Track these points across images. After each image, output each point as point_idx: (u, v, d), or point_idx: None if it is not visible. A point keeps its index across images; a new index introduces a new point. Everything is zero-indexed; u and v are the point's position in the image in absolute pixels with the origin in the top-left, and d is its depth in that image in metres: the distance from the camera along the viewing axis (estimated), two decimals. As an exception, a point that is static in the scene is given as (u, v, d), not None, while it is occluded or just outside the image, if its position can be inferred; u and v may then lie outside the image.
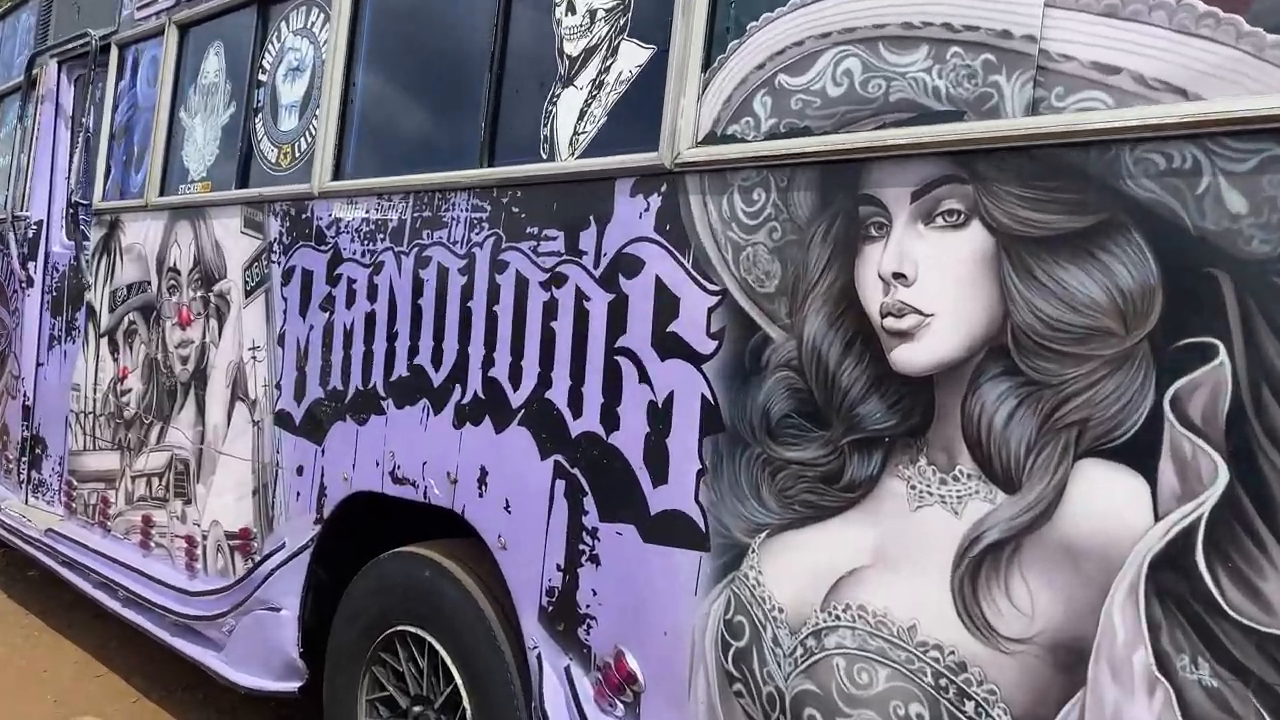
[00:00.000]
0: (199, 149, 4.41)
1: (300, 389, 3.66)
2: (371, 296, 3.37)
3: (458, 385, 3.06)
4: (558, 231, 2.79)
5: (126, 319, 4.77)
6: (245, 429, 3.94)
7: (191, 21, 4.51)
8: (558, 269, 2.77)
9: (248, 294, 3.97)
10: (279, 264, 3.79)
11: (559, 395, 2.75)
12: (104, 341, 4.95)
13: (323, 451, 3.55)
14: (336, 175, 3.60)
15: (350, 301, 3.45)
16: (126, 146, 4.97)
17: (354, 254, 3.46)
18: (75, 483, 5.10)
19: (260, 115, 4.08)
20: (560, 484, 2.74)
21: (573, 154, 2.81)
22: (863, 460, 2.08)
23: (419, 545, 3.28)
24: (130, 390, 4.71)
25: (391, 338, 3.29)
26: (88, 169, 5.16)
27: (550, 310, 2.78)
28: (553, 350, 2.77)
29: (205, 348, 4.20)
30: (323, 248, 3.59)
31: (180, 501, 4.31)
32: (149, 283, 4.62)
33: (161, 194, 4.58)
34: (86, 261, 5.09)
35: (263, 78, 4.09)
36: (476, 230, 3.02)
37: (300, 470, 3.65)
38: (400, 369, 3.25)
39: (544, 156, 2.90)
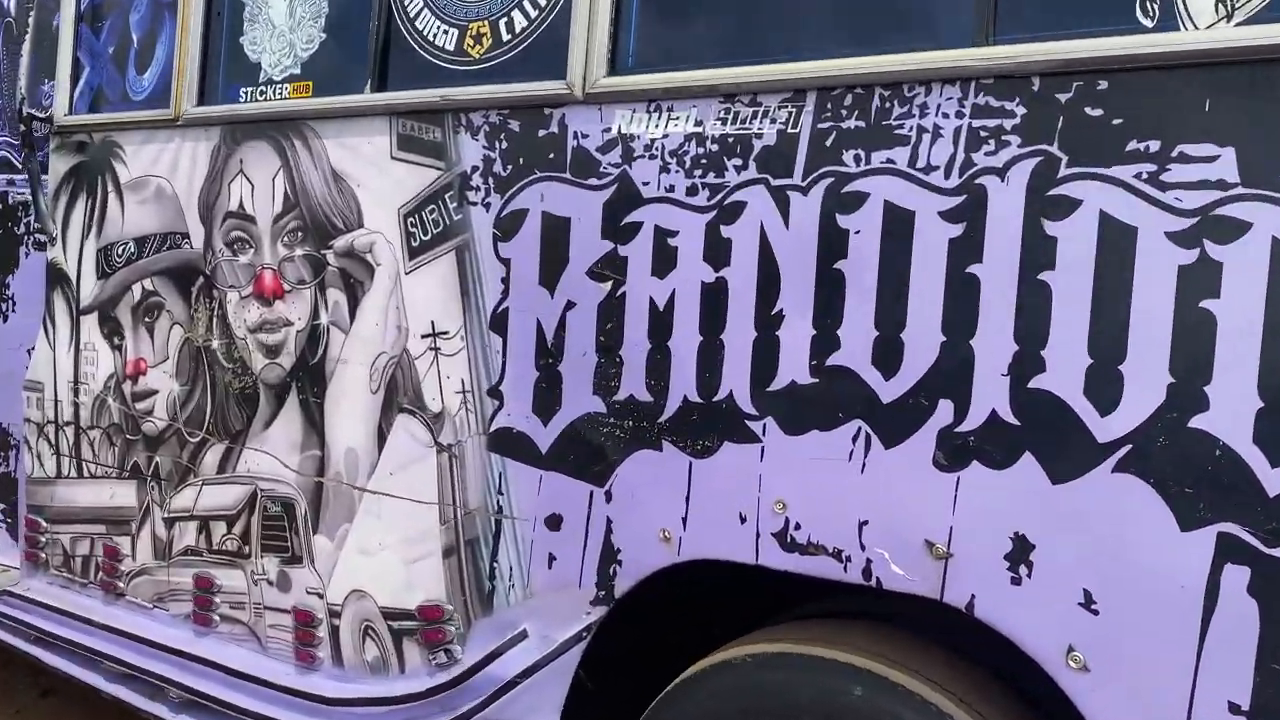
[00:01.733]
0: (280, 34, 2.94)
1: (549, 398, 2.38)
2: (715, 256, 2.14)
3: (945, 401, 1.90)
4: (1213, 148, 1.67)
5: (139, 288, 3.25)
6: (419, 456, 2.61)
7: None
8: (1216, 213, 1.66)
9: (415, 252, 2.61)
10: (490, 207, 2.47)
11: (1222, 424, 1.66)
12: (89, 321, 3.39)
13: (608, 495, 2.31)
14: (613, 67, 2.31)
15: (664, 264, 2.20)
16: (115, 31, 3.38)
17: (667, 191, 2.20)
18: (45, 524, 3.54)
19: (412, -22, 2.68)
20: (1234, 573, 1.66)
21: (1228, 17, 1.69)
22: None
23: (814, 645, 2.12)
24: (153, 393, 3.22)
25: (768, 322, 2.08)
26: (41, 65, 3.52)
27: (1196, 283, 1.67)
28: (1200, 349, 1.67)
29: (319, 332, 2.81)
30: (591, 181, 2.31)
31: (276, 559, 2.92)
32: (183, 235, 3.12)
33: (201, 101, 3.08)
34: (46, 203, 3.48)
35: (410, -80, 2.68)
36: (989, 145, 1.85)
37: (557, 522, 2.39)
38: (793, 371, 2.06)
39: (1146, 21, 1.76)
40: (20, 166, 3.91)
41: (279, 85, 2.92)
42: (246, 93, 2.99)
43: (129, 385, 3.27)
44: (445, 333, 2.56)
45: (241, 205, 2.96)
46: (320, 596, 2.82)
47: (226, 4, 3.05)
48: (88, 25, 3.43)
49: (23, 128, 3.41)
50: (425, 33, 2.63)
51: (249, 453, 2.97)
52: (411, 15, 2.65)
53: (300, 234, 2.83)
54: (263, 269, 2.91)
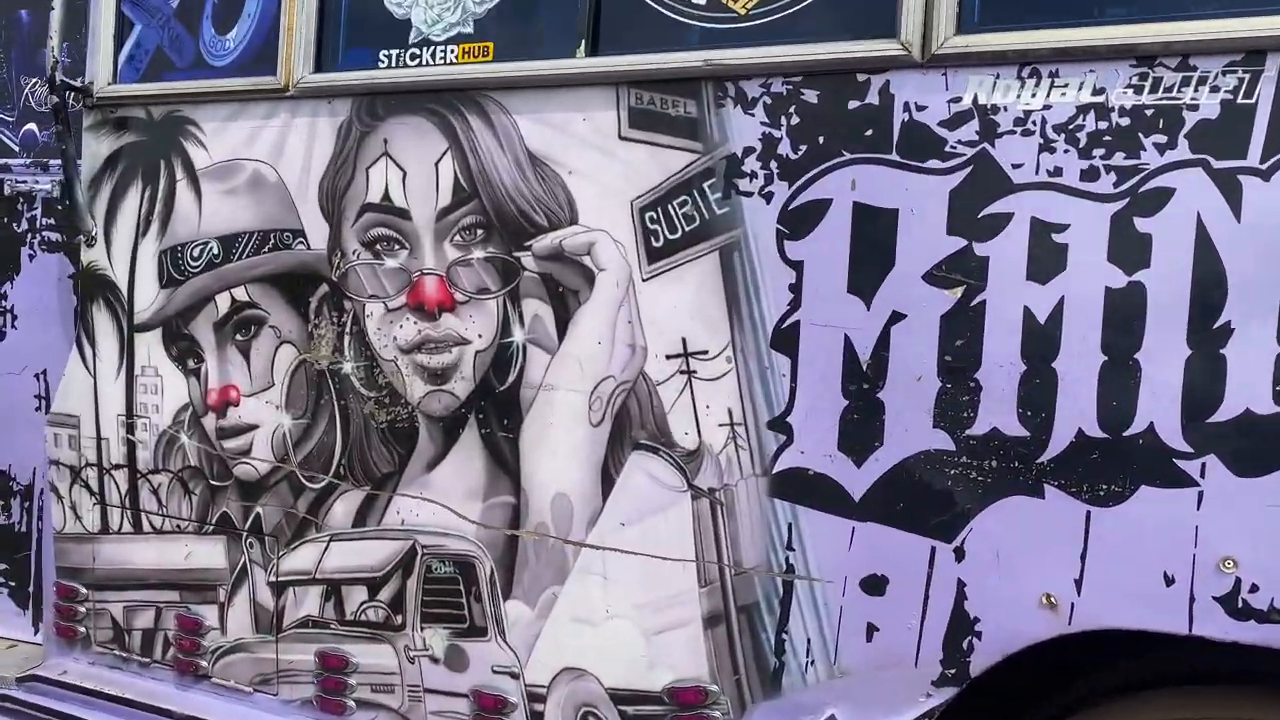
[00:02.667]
0: None
1: (863, 432, 1.94)
2: (1127, 256, 1.73)
3: None
4: None
5: (226, 299, 2.62)
6: (666, 503, 2.12)
7: None
8: None
9: (656, 254, 2.11)
10: (772, 197, 1.99)
11: None
12: (148, 340, 2.73)
13: (959, 552, 1.88)
14: (960, 24, 1.87)
15: (1047, 265, 1.78)
16: None
17: (1051, 175, 1.78)
18: (84, 590, 2.86)
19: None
20: None
21: None
22: None
23: None
24: (250, 429, 2.60)
25: (1209, 337, 1.69)
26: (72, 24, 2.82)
27: None
28: None
29: (510, 352, 2.27)
30: (932, 164, 1.87)
31: (445, 631, 2.37)
32: (295, 232, 2.51)
33: (319, 68, 2.48)
34: (82, 192, 2.79)
35: None
36: None
37: (879, 585, 1.95)
38: (1247, 398, 1.67)
39: None
40: (15, 148, 3.18)
41: (441, 47, 2.35)
42: (390, 56, 2.41)
43: (212, 419, 2.64)
44: (703, 352, 2.08)
45: (388, 196, 2.39)
46: (514, 676, 2.29)
47: (357, -55, 2.46)
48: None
49: (55, 100, 2.71)
50: (664, -15, 2.13)
51: (403, 501, 2.40)
52: (638, -38, 2.15)
53: (480, 231, 2.29)
54: (422, 275, 2.35)
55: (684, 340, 2.10)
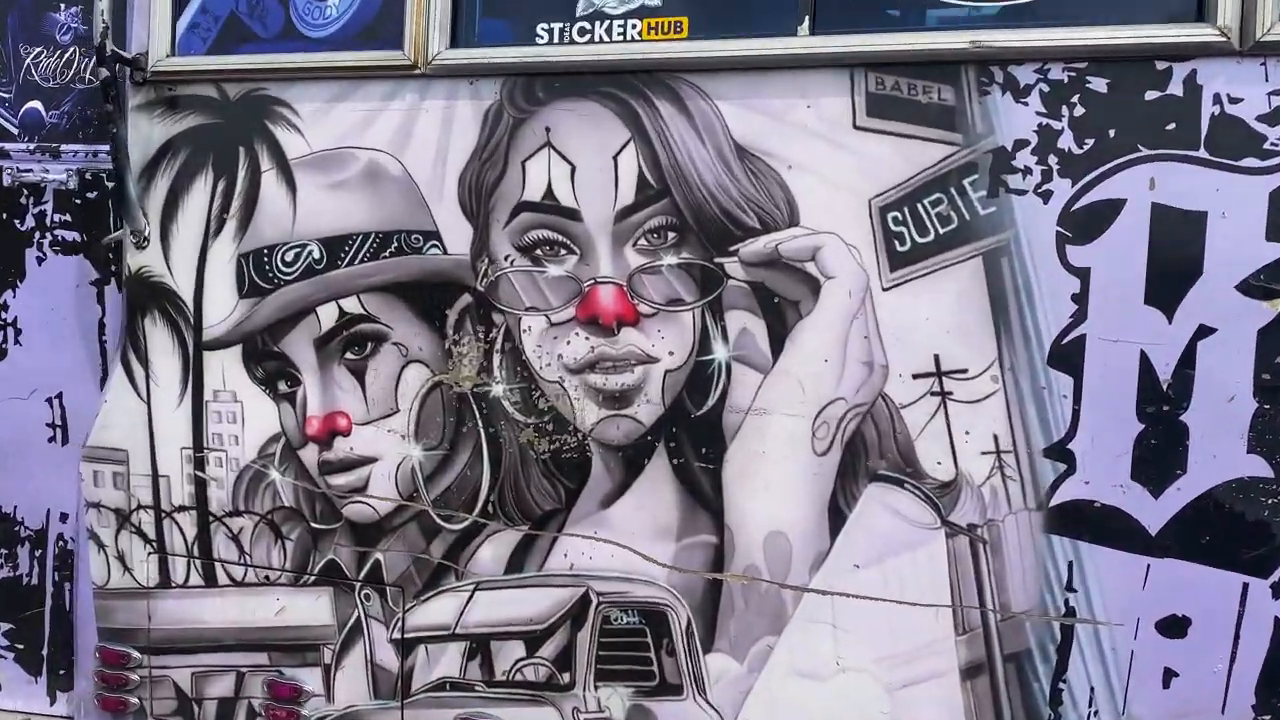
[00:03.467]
0: None
1: (1163, 459, 1.75)
2: None
3: None
4: None
5: (330, 311, 2.23)
6: (914, 541, 1.89)
7: None
8: None
9: (901, 260, 1.87)
10: (1050, 196, 1.78)
11: None
12: (223, 359, 2.31)
13: (1278, 588, 1.71)
14: None
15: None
16: None
17: (1390, 176, 1.63)
18: (135, 655, 2.42)
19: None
20: None
21: None
22: None
23: None
24: (365, 462, 2.22)
25: None
26: (119, -17, 2.36)
27: None
28: None
29: (711, 371, 1.99)
30: (1249, 163, 1.69)
31: (628, 689, 2.07)
32: (426, 234, 2.15)
33: (454, 43, 2.12)
34: (133, 183, 2.34)
35: None
36: None
37: (1180, 627, 1.77)
38: None
39: None
40: (14, 130, 2.68)
41: (619, 22, 2.04)
42: (550, 31, 2.08)
43: (314, 452, 2.26)
44: (961, 371, 1.85)
45: (551, 193, 2.06)
46: (717, 738, 2.02)
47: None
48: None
49: (104, 73, 2.25)
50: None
51: (572, 542, 2.09)
52: (869, -73, 1.90)
53: (672, 234, 1.99)
54: (596, 284, 2.04)
55: (936, 357, 1.86)
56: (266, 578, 2.31)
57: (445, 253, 2.14)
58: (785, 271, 1.93)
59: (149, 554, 2.39)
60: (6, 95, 2.65)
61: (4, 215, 2.64)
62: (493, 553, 2.15)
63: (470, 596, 2.17)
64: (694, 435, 2.01)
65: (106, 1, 2.23)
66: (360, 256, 2.20)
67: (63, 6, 2.60)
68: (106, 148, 2.48)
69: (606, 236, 2.03)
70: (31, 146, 2.61)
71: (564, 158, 2.05)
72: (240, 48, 2.30)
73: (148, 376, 2.37)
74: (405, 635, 2.22)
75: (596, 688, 2.09)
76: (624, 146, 2.01)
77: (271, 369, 2.29)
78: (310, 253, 2.23)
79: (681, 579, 2.03)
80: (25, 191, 2.62)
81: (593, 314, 2.05)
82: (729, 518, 1.99)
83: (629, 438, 2.05)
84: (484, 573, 2.15)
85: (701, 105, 1.97)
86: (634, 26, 2.03)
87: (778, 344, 1.95)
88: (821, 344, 1.92)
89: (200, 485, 2.35)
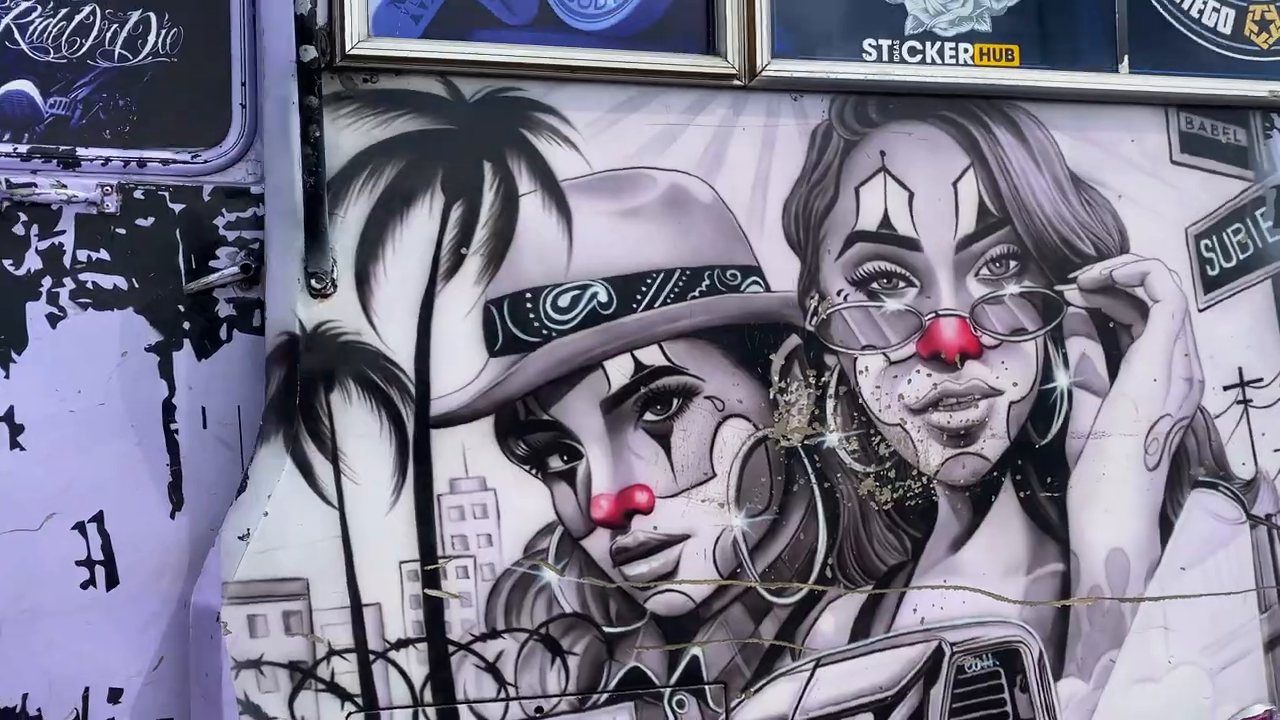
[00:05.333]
0: None
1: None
2: None
3: None
4: None
5: (623, 365, 1.81)
6: (1225, 538, 2.09)
7: None
8: None
9: (1212, 284, 2.07)
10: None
11: None
12: (460, 436, 1.75)
13: None
14: None
15: None
16: None
17: None
18: None
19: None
20: None
21: None
22: None
23: None
24: (673, 542, 1.84)
25: None
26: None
27: None
28: None
29: (1054, 399, 2.00)
30: None
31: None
32: (745, 269, 1.86)
33: (787, 54, 1.86)
34: (328, 207, 1.68)
35: None
36: None
37: None
38: None
39: None
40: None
41: (949, 44, 1.95)
42: (876, 48, 1.92)
43: (604, 539, 1.82)
44: (1258, 380, 2.10)
45: (888, 221, 1.91)
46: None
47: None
48: None
49: (311, 53, 1.58)
50: (1185, 5, 2.07)
51: (922, 595, 1.96)
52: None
53: (1014, 263, 1.97)
54: (938, 317, 1.94)
55: (1240, 370, 2.09)
56: (539, 710, 1.82)
57: (768, 289, 1.88)
58: (1118, 297, 2.02)
59: (349, 715, 1.74)
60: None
61: (-15, 253, 1.73)
62: (834, 622, 1.92)
63: (810, 676, 1.92)
64: (1038, 466, 2.00)
65: (310, -40, 1.59)
66: (661, 298, 1.83)
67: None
68: (157, 153, 1.77)
69: (948, 267, 1.95)
70: (24, 149, 1.75)
71: (901, 184, 1.92)
72: (475, 33, 1.78)
73: (338, 473, 1.73)
74: (733, 736, 1.89)
75: (949, 742, 1.99)
76: (963, 173, 1.95)
77: (539, 443, 1.81)
78: (594, 295, 1.81)
79: (1033, 612, 2.01)
80: (23, 216, 1.75)
81: (935, 349, 1.94)
82: (1074, 543, 2.03)
83: (975, 476, 1.98)
84: (824, 646, 1.92)
85: (1038, 134, 1.98)
86: (965, 50, 1.96)
87: (1113, 367, 2.03)
88: (1151, 365, 2.04)
89: (434, 607, 1.77)
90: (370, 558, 1.75)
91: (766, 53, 1.84)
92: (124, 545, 1.81)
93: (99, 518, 1.79)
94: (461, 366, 1.77)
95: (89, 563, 1.80)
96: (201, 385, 1.83)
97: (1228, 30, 2.10)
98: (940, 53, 1.96)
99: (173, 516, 1.83)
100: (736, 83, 1.84)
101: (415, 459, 1.76)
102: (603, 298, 1.81)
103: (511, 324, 1.78)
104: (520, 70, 1.78)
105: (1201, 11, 2.08)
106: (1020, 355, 1.99)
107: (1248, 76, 2.09)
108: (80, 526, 1.79)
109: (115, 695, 1.81)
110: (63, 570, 1.78)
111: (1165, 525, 2.06)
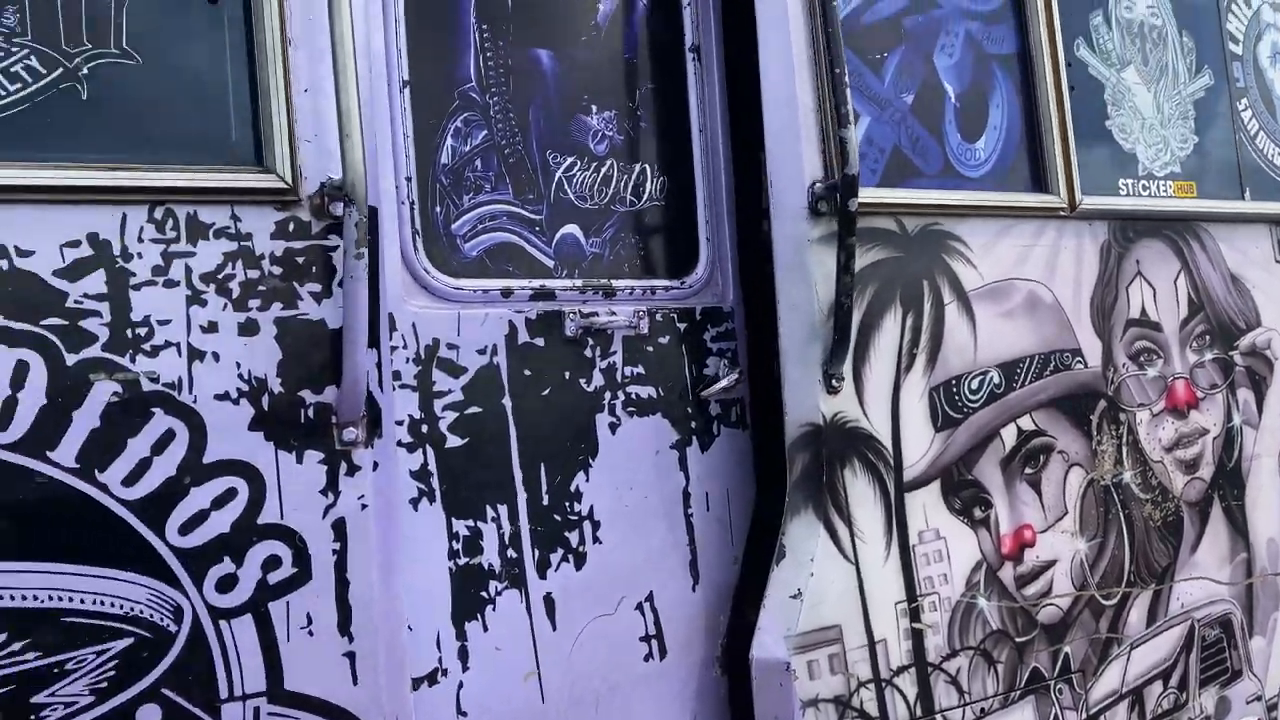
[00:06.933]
0: (1151, 127, 2.65)
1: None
2: None
3: None
4: None
5: (1012, 431, 2.35)
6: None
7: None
8: None
9: (1308, 346, 2.93)
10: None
11: None
12: (923, 498, 2.21)
13: None
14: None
15: None
16: (910, 72, 2.24)
17: None
18: None
19: (1248, 100, 2.92)
20: None
21: None
22: None
23: None
24: (1049, 565, 2.39)
25: None
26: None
27: None
28: None
29: (1234, 434, 2.76)
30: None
31: (1215, 687, 2.69)
32: (1073, 351, 2.46)
33: (1087, 192, 2.50)
34: (812, 323, 2.08)
35: (1235, 48, 2.92)
36: None
37: None
38: None
39: None
40: (549, 262, 1.99)
41: (1160, 181, 2.67)
42: (1127, 185, 2.60)
43: (1009, 569, 2.34)
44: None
45: (1144, 311, 2.60)
46: (1259, 699, 2.78)
47: (1089, 79, 2.55)
48: (851, 50, 2.17)
49: (848, 209, 1.99)
50: (1265, 150, 2.94)
51: (1180, 587, 2.63)
52: (1251, 133, 2.92)
53: (1208, 338, 2.73)
54: (1174, 379, 2.65)
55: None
56: (982, 710, 2.29)
57: (1085, 366, 2.50)
58: (1259, 358, 2.83)
59: (864, 743, 2.13)
60: (535, 215, 2.01)
61: (567, 374, 1.99)
62: (1137, 614, 2.55)
63: (1129, 657, 2.53)
64: (1230, 483, 2.75)
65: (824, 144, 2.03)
66: (1028, 378, 2.40)
67: (594, 109, 2.09)
68: (665, 283, 2.13)
69: (1177, 342, 2.66)
70: (580, 283, 2.04)
71: (1149, 283, 2.62)
72: (908, 182, 2.27)
73: (853, 535, 2.14)
74: (1089, 713, 2.45)
75: (1199, 695, 2.66)
76: (1179, 274, 2.68)
77: (967, 498, 2.30)
78: (992, 379, 2.34)
79: (1233, 590, 2.74)
80: (590, 341, 2.02)
81: (1175, 403, 2.65)
82: (1251, 537, 2.79)
83: (1199, 494, 2.69)
84: (1134, 633, 2.54)
85: (1210, 245, 2.75)
86: (1167, 186, 2.70)
87: (1260, 407, 2.82)
88: (1278, 404, 2.86)
89: (916, 638, 2.20)
90: (876, 602, 2.15)
91: (1079, 190, 2.48)
92: (668, 620, 2.09)
93: (650, 597, 2.06)
94: (919, 442, 2.23)
95: (647, 638, 2.06)
96: (704, 474, 2.16)
97: (1288, 167, 3.01)
98: (1158, 187, 2.69)
99: (693, 590, 2.13)
100: (1061, 213, 2.46)
101: (895, 519, 2.20)
102: (996, 380, 2.35)
103: (946, 406, 2.27)
104: (938, 210, 2.29)
105: (1273, 153, 2.96)
106: (1215, 403, 2.73)
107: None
108: (639, 606, 2.05)
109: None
110: (631, 647, 2.03)
111: (1284, 520, 2.89)
